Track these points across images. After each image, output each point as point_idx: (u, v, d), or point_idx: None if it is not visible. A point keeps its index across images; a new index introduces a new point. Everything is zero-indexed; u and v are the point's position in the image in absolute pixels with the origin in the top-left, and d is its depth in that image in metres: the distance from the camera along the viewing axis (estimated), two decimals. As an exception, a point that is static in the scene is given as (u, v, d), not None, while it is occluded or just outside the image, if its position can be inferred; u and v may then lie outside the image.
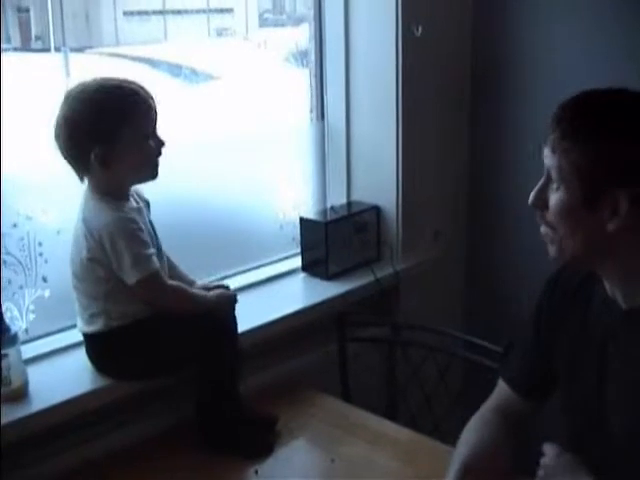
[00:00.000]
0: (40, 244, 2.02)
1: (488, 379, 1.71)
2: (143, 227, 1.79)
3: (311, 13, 2.58)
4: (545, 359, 1.54)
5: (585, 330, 1.42)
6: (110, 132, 1.73)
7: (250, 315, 2.08)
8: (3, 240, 1.95)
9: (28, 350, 1.96)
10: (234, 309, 1.93)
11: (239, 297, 2.02)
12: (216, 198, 2.39)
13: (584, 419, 1.44)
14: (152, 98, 1.80)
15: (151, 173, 1.83)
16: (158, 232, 1.92)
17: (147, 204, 1.95)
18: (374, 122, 2.51)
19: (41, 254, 2.03)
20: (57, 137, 1.76)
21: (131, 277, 1.72)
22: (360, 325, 2.35)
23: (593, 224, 1.27)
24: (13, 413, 1.78)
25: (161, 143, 1.80)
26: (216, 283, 2.06)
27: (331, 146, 2.63)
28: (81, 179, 1.82)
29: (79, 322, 1.92)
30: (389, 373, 2.40)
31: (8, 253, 1.97)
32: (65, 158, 1.79)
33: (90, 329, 1.87)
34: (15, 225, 1.98)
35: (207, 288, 1.99)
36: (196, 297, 1.89)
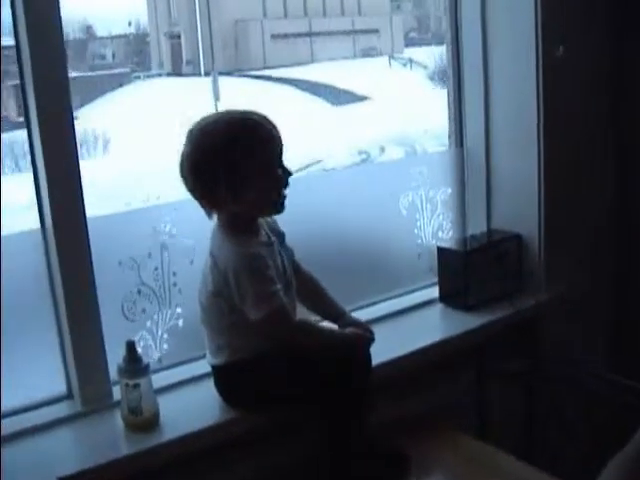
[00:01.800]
0: (174, 274, 2.04)
1: (637, 421, 1.57)
2: (270, 263, 1.76)
3: (448, 36, 2.50)
4: None
5: None
6: (233, 165, 1.72)
7: (385, 347, 2.02)
8: (139, 271, 1.99)
9: (161, 379, 2.00)
10: (369, 349, 1.87)
11: (373, 328, 1.98)
12: (352, 224, 2.36)
13: None
14: (275, 128, 1.78)
15: (275, 206, 1.81)
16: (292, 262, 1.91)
17: (281, 237, 1.92)
18: (515, 148, 2.43)
19: (175, 284, 2.05)
20: (182, 174, 1.77)
21: (254, 313, 1.70)
22: (499, 359, 2.28)
23: None
24: (143, 442, 1.80)
25: (287, 174, 1.78)
26: (356, 320, 1.98)
27: (470, 172, 2.56)
28: (209, 215, 1.82)
29: (207, 353, 1.92)
30: (528, 410, 2.30)
31: (143, 284, 2.01)
32: (191, 194, 1.79)
33: (216, 361, 1.87)
34: (150, 255, 2.01)
35: (346, 323, 1.93)
36: (326, 334, 1.85)
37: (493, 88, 2.47)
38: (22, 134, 1.83)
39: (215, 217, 1.84)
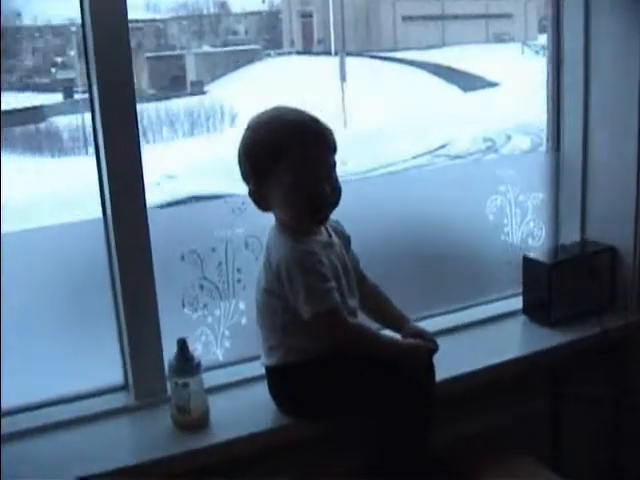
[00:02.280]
0: (239, 270, 2.01)
1: None
2: (325, 261, 1.70)
3: (549, 32, 2.35)
4: None
5: None
6: (264, 167, 1.67)
7: (454, 360, 1.95)
8: (202, 265, 1.96)
9: (219, 377, 1.97)
10: (431, 361, 1.77)
11: (448, 339, 1.96)
12: (435, 225, 2.29)
13: None
14: (322, 134, 1.69)
15: (310, 223, 1.74)
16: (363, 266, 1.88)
17: (347, 239, 1.87)
18: (614, 154, 2.27)
19: (239, 280, 2.01)
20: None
21: (306, 311, 1.64)
22: (581, 382, 2.14)
23: None
24: (188, 443, 1.77)
25: (323, 195, 1.69)
26: (419, 329, 1.89)
27: (565, 178, 2.42)
28: (262, 209, 1.76)
29: (262, 354, 1.86)
30: (610, 440, 2.15)
31: (205, 278, 1.98)
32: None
33: (268, 362, 1.81)
34: (214, 249, 1.98)
35: (409, 333, 1.84)
36: (383, 341, 1.77)
37: (593, 89, 2.31)
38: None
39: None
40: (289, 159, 1.65)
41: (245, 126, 1.73)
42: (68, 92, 10.83)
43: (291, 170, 1.66)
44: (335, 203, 1.73)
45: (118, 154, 1.75)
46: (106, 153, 1.75)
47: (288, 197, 1.68)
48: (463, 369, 1.97)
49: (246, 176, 1.73)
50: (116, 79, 1.72)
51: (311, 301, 1.65)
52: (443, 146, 11.43)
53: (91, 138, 1.79)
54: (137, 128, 1.75)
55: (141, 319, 1.85)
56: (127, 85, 1.74)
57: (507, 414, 2.08)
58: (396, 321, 1.88)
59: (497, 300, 2.37)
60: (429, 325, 2.05)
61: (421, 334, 1.83)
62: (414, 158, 10.40)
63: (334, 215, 1.76)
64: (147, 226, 1.81)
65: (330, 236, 1.82)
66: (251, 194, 1.73)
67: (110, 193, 1.79)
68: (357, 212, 2.00)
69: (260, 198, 1.71)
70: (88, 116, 1.79)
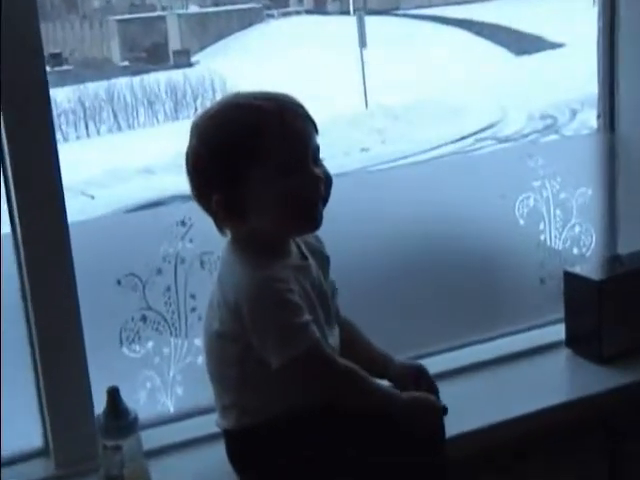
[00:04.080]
0: (193, 296, 1.96)
1: None
2: (296, 288, 1.59)
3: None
4: None
5: None
6: (233, 173, 1.58)
7: (478, 407, 1.94)
8: (144, 291, 1.94)
9: (168, 434, 1.93)
10: (441, 422, 1.69)
11: (470, 378, 2.00)
12: (447, 233, 2.25)
13: None
14: (302, 115, 1.60)
15: (304, 223, 1.63)
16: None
17: (325, 260, 1.76)
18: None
19: (194, 309, 1.96)
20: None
21: (277, 357, 1.53)
22: None
23: None
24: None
25: (317, 178, 1.61)
26: (414, 366, 1.84)
27: (624, 167, 2.36)
28: (220, 230, 1.66)
29: (217, 412, 1.75)
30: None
31: (149, 308, 1.94)
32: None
33: (223, 424, 1.70)
34: (160, 271, 1.94)
35: (399, 372, 1.79)
36: (379, 392, 1.67)
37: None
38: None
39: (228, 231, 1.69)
40: (270, 153, 1.57)
41: (194, 126, 1.64)
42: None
43: (276, 165, 1.57)
44: (326, 198, 1.64)
45: (26, 157, 1.69)
46: (11, 156, 1.69)
47: (275, 200, 1.58)
48: (490, 419, 1.92)
49: (206, 186, 1.62)
50: (19, 50, 1.63)
51: (284, 343, 1.54)
52: (490, 126, 11.17)
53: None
54: (51, 122, 1.70)
55: (63, 362, 1.79)
56: (35, 60, 1.66)
57: (549, 475, 2.03)
58: (377, 362, 1.80)
59: (532, 329, 2.31)
60: (446, 361, 2.09)
61: (418, 377, 1.79)
62: (452, 143, 10.22)
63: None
64: (68, 243, 1.75)
65: (304, 257, 1.70)
66: (213, 209, 1.61)
67: (19, 204, 1.72)
68: (361, 212, 2.08)
69: (228, 212, 1.61)
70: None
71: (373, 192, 2.16)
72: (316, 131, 1.63)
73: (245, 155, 1.56)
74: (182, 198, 2.03)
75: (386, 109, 10.32)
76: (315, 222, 1.63)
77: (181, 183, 1.66)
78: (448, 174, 2.31)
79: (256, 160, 1.56)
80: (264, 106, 1.58)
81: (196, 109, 10.31)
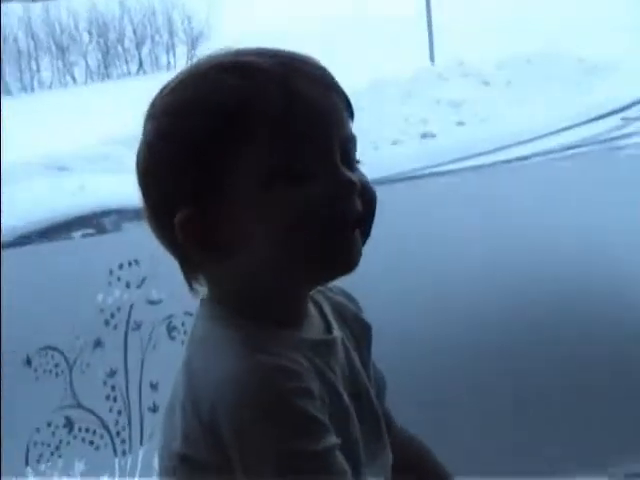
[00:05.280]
0: (154, 387, 1.77)
1: None
2: (314, 388, 1.20)
3: None
4: None
5: None
6: (206, 179, 1.20)
7: None
8: (71, 376, 1.72)
9: None
10: None
11: None
12: (561, 268, 2.02)
13: None
14: (325, 85, 1.19)
15: (327, 261, 1.23)
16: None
17: (364, 331, 1.37)
18: None
19: (154, 409, 1.77)
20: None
21: None
22: None
23: None
24: None
25: (349, 186, 1.21)
26: None
27: None
28: (188, 280, 1.25)
29: None
30: None
31: (79, 405, 1.71)
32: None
33: None
34: (98, 344, 1.71)
35: None
36: None
37: None
38: None
39: (203, 287, 1.27)
40: (268, 145, 1.19)
41: (150, 107, 1.25)
42: None
43: (277, 166, 1.20)
44: (367, 225, 1.25)
45: None
46: None
47: (278, 224, 1.20)
48: None
49: (165, 202, 1.24)
50: None
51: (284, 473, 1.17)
52: (634, 103, 9.50)
53: None
54: None
55: None
56: None
57: None
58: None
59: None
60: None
61: None
62: (583, 124, 8.83)
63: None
64: None
65: (329, 327, 1.31)
66: (175, 239, 1.22)
67: None
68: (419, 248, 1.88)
69: (198, 242, 1.21)
70: None
71: (442, 211, 1.94)
72: (350, 113, 1.24)
73: (226, 149, 1.21)
74: (135, 214, 1.70)
75: (467, 68, 9.35)
76: (348, 260, 1.23)
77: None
78: (578, 180, 2.11)
79: (244, 158, 1.18)
80: (260, 67, 1.19)
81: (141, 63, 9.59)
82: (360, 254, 1.20)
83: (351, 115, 1.23)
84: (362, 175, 1.21)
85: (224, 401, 1.13)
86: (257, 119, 1.18)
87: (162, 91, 1.26)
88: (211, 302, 1.24)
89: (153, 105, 1.24)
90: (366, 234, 1.21)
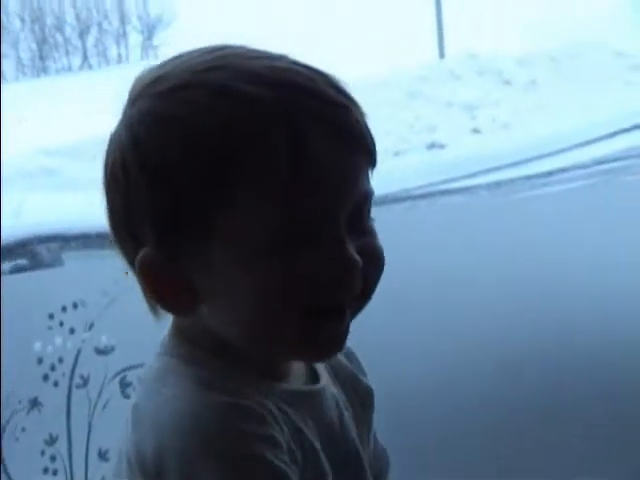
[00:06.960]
0: (103, 455, 1.86)
1: None
2: (279, 437, 1.20)
3: None
4: None
5: None
6: (184, 216, 1.17)
7: None
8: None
9: None
10: None
11: None
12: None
13: None
14: (342, 128, 1.16)
15: (306, 343, 1.23)
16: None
17: (365, 396, 1.34)
18: None
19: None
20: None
21: None
22: None
23: None
24: None
25: (349, 264, 1.22)
26: None
27: None
28: (152, 311, 1.24)
29: None
30: None
31: None
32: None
33: None
34: (35, 403, 1.76)
35: None
36: None
37: None
38: None
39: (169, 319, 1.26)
40: (256, 196, 1.17)
41: (125, 116, 1.21)
42: None
43: (265, 226, 1.18)
44: (362, 299, 1.21)
45: None
46: None
47: (252, 291, 1.20)
48: None
49: (132, 234, 1.22)
50: None
51: None
52: None
53: None
54: None
55: None
56: None
57: None
58: None
59: None
60: None
61: None
62: (626, 132, 9.29)
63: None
64: None
65: (315, 375, 1.32)
66: (132, 258, 1.21)
67: None
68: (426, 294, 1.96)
69: (175, 279, 1.20)
70: None
71: (451, 236, 1.99)
72: (372, 162, 1.17)
73: (209, 192, 1.16)
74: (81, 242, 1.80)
75: (483, 63, 9.50)
76: (330, 345, 1.23)
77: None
78: (613, 200, 2.20)
79: (227, 203, 1.15)
80: (260, 100, 1.15)
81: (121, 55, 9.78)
82: (345, 339, 1.19)
83: (373, 165, 1.15)
84: (373, 235, 1.22)
85: (168, 446, 1.12)
86: (246, 168, 1.18)
87: (151, 79, 1.21)
88: (175, 335, 1.28)
89: (139, 94, 1.19)
90: (358, 307, 1.22)
